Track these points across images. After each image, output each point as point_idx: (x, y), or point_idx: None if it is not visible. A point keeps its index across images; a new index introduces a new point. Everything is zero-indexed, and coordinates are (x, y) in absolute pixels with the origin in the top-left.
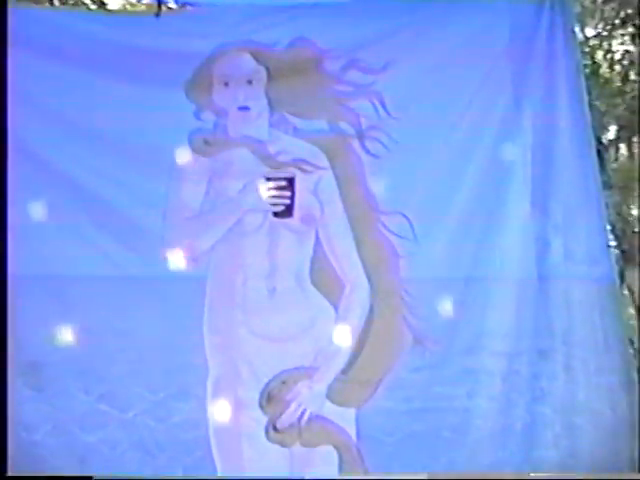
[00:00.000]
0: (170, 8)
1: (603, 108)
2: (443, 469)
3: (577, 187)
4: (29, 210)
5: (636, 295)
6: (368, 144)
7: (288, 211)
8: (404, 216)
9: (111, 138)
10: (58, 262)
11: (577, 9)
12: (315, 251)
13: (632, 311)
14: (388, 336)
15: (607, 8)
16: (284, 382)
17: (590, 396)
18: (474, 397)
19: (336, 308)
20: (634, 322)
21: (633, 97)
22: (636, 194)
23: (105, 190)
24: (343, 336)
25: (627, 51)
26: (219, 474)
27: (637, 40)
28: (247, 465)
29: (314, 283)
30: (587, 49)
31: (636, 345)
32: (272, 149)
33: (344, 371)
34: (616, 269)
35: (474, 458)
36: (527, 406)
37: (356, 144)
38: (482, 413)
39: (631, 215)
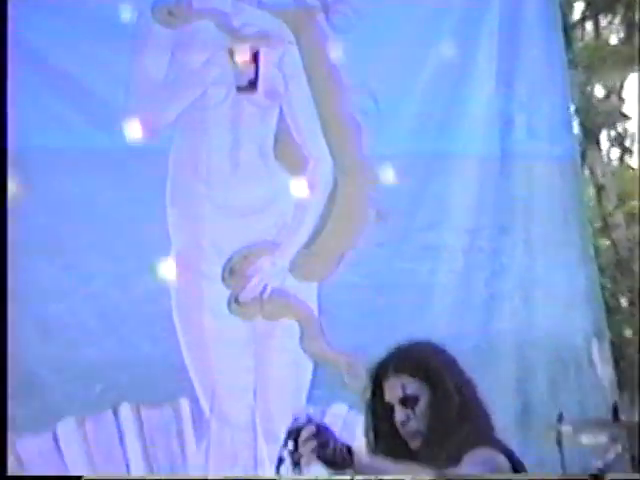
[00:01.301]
0: None
1: None
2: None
3: (542, 65)
4: None
5: (597, 175)
6: (333, 18)
7: (252, 85)
8: (368, 91)
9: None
10: (21, 134)
11: None
12: (279, 126)
13: (592, 191)
14: (351, 211)
15: None
16: (246, 256)
17: (548, 270)
18: (435, 273)
19: (299, 183)
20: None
21: None
22: (601, 74)
23: (68, 63)
24: (306, 211)
25: None
26: (181, 345)
27: None
28: (209, 336)
29: (278, 158)
30: None
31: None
32: (236, 21)
33: (307, 245)
34: (578, 148)
35: (434, 332)
36: (487, 281)
37: (321, 18)
38: (443, 288)
39: (594, 96)
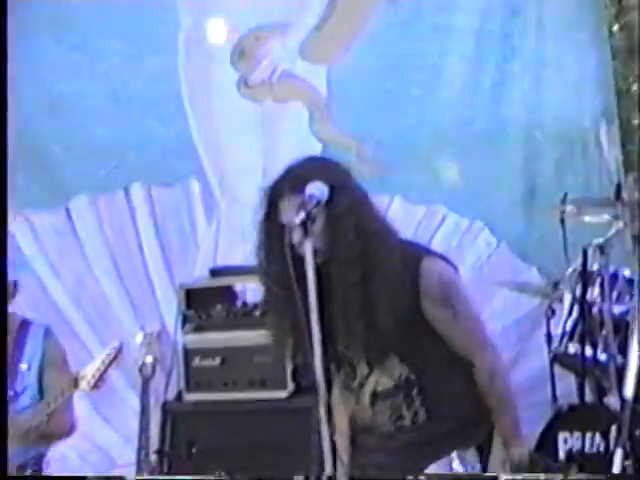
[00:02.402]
0: None
1: None
2: (412, 126)
3: None
4: None
5: None
6: None
7: None
8: None
9: None
10: None
11: None
12: None
13: None
14: None
15: None
16: (257, 37)
17: (559, 52)
18: (445, 55)
19: None
20: None
21: None
22: None
23: None
24: None
25: None
26: (191, 126)
27: None
28: (218, 117)
29: None
30: None
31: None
32: None
33: (317, 27)
34: None
35: (443, 116)
36: (497, 64)
37: None
38: (452, 70)
39: None
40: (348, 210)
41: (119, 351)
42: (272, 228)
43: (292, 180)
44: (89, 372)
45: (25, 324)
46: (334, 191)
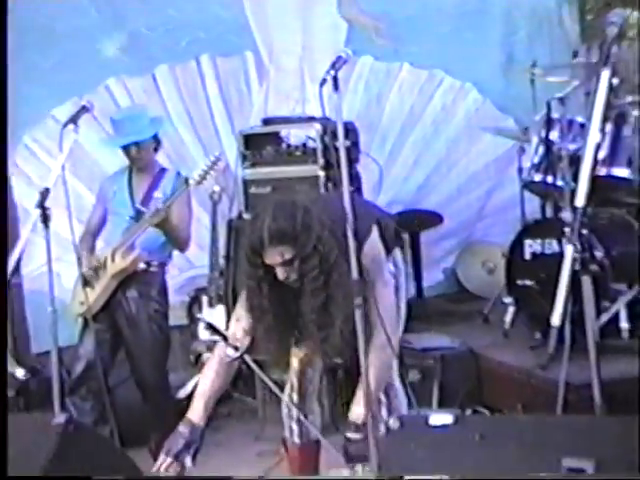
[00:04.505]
0: None
1: None
2: (419, 7)
3: None
4: None
5: None
6: None
7: None
8: None
9: None
10: None
11: None
12: None
13: None
14: None
15: None
16: None
17: None
18: None
19: None
20: None
21: None
22: None
23: None
24: None
25: None
26: (246, 8)
27: None
28: (267, 1)
29: None
30: None
31: None
32: None
33: None
34: None
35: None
36: None
37: None
38: None
39: None
40: (313, 250)
41: (218, 159)
42: (260, 268)
43: (270, 237)
44: (195, 173)
45: (163, 169)
46: (300, 234)
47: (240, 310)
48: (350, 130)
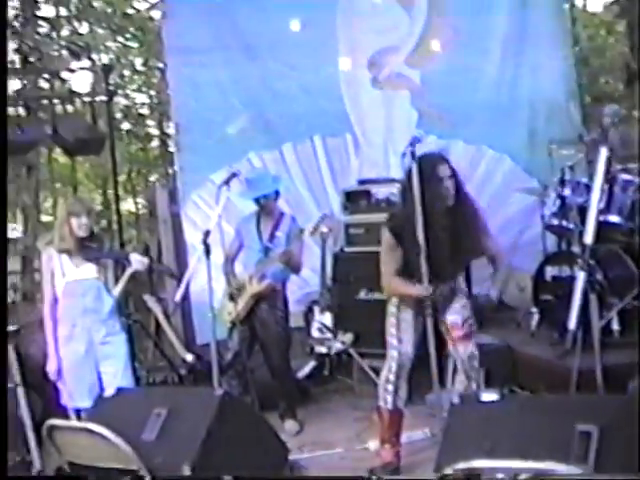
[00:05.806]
0: None
1: None
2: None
3: None
4: None
5: None
6: None
7: None
8: None
9: None
10: None
11: None
12: None
13: None
14: None
15: None
16: (380, 54)
17: None
18: None
19: None
20: None
21: None
22: None
23: None
24: None
25: None
26: (346, 105)
27: None
28: (362, 100)
29: None
30: None
31: None
32: None
33: (415, 49)
34: None
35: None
36: None
37: None
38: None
39: None
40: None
41: (324, 218)
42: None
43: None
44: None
45: (282, 214)
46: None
47: None
48: None
